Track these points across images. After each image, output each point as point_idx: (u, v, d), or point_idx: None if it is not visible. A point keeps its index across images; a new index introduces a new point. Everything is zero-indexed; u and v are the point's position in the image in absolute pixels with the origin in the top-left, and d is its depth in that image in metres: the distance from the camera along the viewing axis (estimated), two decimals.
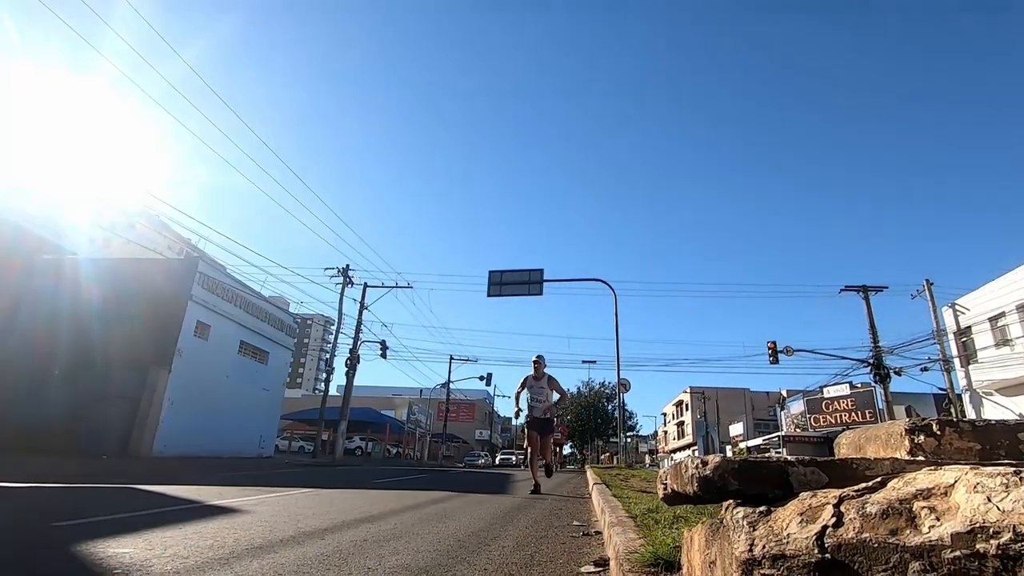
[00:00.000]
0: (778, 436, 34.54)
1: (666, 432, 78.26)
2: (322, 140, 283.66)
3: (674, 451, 67.28)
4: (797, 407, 35.95)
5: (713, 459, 1.31)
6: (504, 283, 20.90)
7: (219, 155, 59.92)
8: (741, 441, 44.73)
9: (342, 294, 24.46)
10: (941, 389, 23.04)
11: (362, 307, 24.80)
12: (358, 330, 24.38)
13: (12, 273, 15.78)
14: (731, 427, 52.56)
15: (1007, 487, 0.83)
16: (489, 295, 20.72)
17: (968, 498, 0.85)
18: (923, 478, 0.98)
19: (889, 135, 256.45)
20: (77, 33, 11.38)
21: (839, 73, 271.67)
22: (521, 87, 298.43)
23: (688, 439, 62.23)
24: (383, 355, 26.68)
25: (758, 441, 39.02)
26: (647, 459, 71.23)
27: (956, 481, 0.90)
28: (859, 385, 31.05)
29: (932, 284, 22.91)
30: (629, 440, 49.59)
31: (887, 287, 24.44)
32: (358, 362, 24.12)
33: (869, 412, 30.00)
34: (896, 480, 1.02)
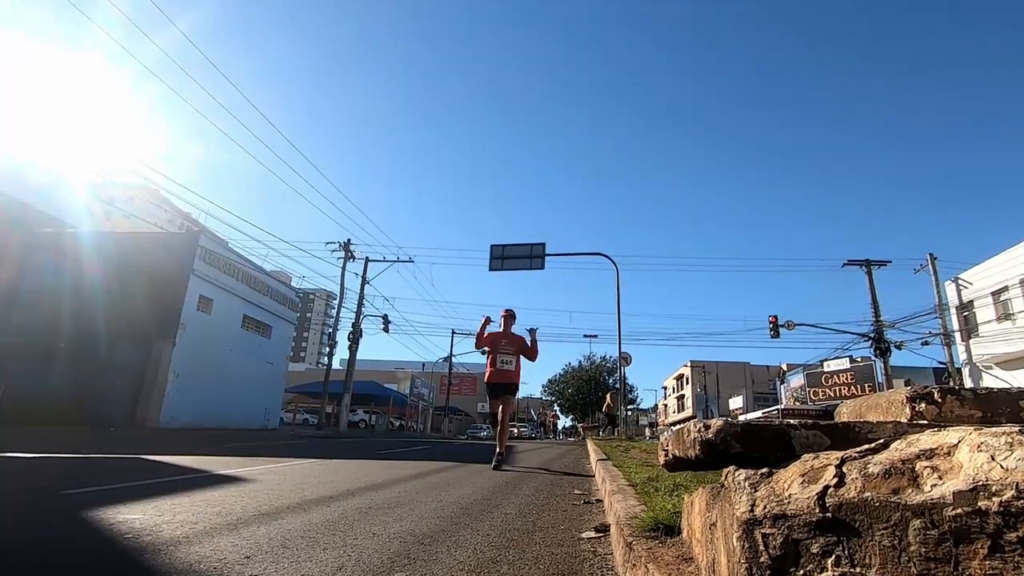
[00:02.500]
0: (777, 410, 34.80)
1: (666, 405, 79.14)
2: (324, 114, 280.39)
3: (674, 424, 68.00)
4: (797, 381, 36.19)
5: (716, 422, 1.32)
6: (506, 257, 20.81)
7: (218, 128, 59.29)
8: (740, 414, 45.21)
9: (344, 268, 24.46)
10: (941, 363, 23.13)
11: (364, 281, 24.83)
12: (360, 304, 24.45)
13: (13, 246, 15.80)
14: (731, 400, 53.10)
15: (1011, 446, 0.83)
16: (491, 269, 20.65)
17: (971, 457, 0.85)
18: (926, 439, 0.98)
19: (893, 110, 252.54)
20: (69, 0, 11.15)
21: (848, 40, 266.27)
22: (523, 59, 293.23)
23: (688, 412, 62.95)
24: (385, 329, 26.83)
25: (757, 414, 39.35)
26: (647, 432, 72.10)
27: (960, 441, 0.90)
28: (859, 359, 31.20)
29: (936, 258, 22.79)
30: (630, 413, 50.08)
31: (890, 261, 24.33)
32: (360, 336, 24.25)
33: (868, 386, 30.18)
34: (899, 442, 1.02)
